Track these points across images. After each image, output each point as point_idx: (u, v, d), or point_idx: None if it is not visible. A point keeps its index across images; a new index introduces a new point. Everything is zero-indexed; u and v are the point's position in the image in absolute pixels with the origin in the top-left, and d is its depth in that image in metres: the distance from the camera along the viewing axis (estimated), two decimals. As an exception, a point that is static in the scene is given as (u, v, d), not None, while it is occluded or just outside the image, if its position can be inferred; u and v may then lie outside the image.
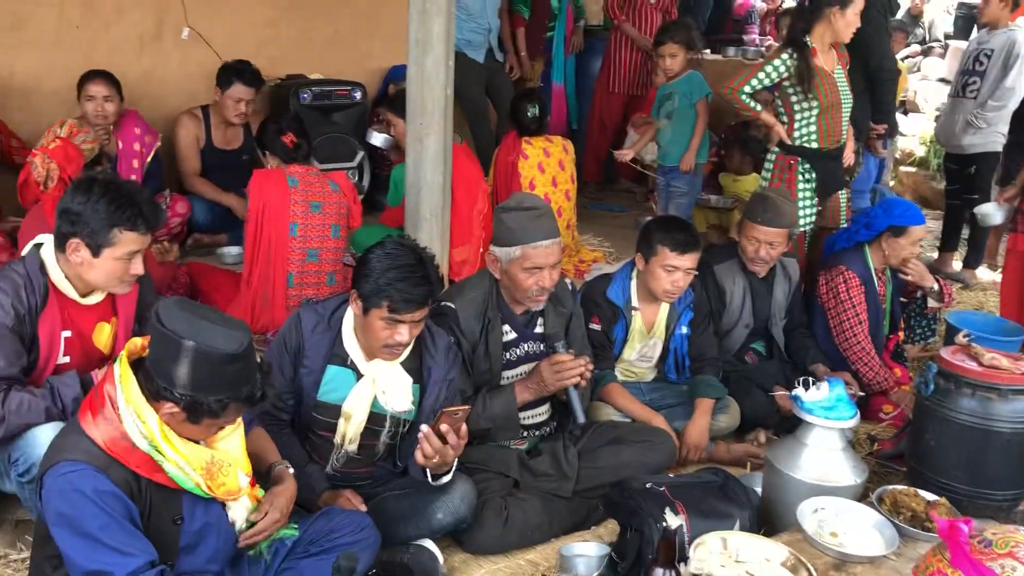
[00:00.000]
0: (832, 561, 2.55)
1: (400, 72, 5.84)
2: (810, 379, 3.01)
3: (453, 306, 2.99)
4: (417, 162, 3.83)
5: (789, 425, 3.41)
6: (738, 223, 3.95)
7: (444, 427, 2.48)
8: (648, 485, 2.79)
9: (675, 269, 3.38)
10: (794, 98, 4.15)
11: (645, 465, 3.10)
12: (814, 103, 4.12)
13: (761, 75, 4.08)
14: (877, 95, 4.69)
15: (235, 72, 4.80)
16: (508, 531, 2.83)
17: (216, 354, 1.98)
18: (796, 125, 4.19)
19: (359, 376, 2.67)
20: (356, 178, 5.69)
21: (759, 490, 3.03)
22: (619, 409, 3.40)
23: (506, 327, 3.07)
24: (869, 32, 4.36)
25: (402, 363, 2.68)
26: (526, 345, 3.12)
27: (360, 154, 5.67)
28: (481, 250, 4.78)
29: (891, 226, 3.87)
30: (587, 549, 2.78)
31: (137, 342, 2.15)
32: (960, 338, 3.02)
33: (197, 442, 2.14)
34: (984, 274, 6.00)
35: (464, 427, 2.53)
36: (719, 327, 3.81)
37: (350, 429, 2.69)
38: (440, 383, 2.75)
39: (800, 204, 4.18)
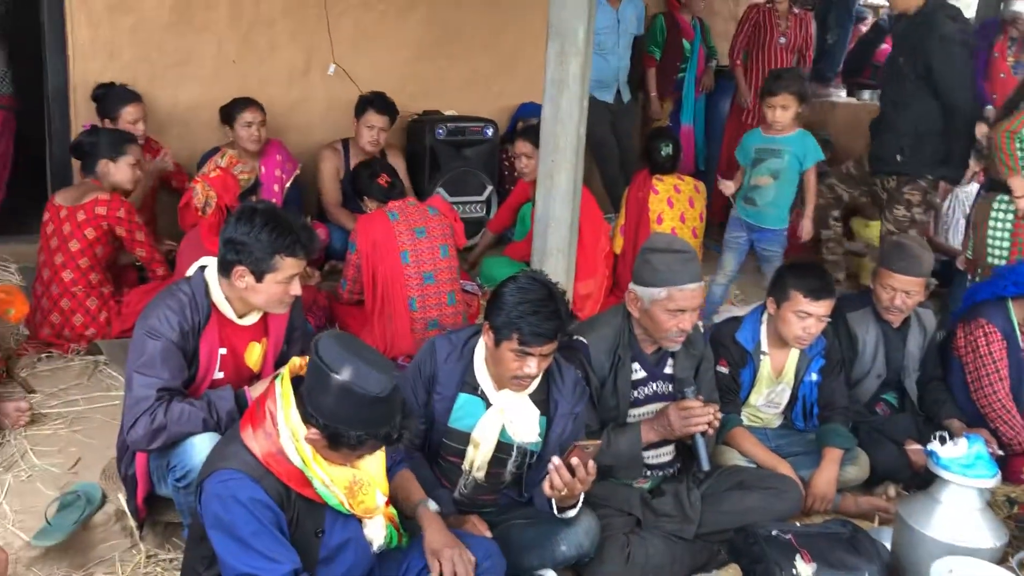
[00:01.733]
0: (967, 625, 2.48)
1: (529, 110, 6.01)
2: (947, 434, 2.92)
3: (585, 341, 3.04)
4: (547, 198, 3.91)
5: (921, 480, 3.31)
6: (873, 270, 3.87)
7: (575, 460, 2.51)
8: (774, 532, 2.77)
9: (808, 316, 3.34)
10: None
11: (770, 512, 3.06)
12: None
13: None
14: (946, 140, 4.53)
15: (369, 101, 5.11)
16: (630, 568, 2.83)
17: (362, 394, 2.08)
18: None
19: (488, 405, 2.75)
20: (484, 211, 5.85)
21: (888, 545, 2.95)
22: (744, 454, 3.37)
23: (636, 365, 3.10)
24: (941, 57, 4.28)
25: (530, 395, 2.75)
26: (655, 385, 3.13)
27: (489, 188, 5.83)
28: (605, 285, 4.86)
29: None
30: (709, 593, 2.77)
31: (296, 361, 2.29)
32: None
33: (340, 463, 2.25)
34: None
35: (592, 462, 2.57)
36: (850, 376, 3.73)
37: (478, 456, 2.77)
38: (567, 417, 2.80)
39: None
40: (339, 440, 2.13)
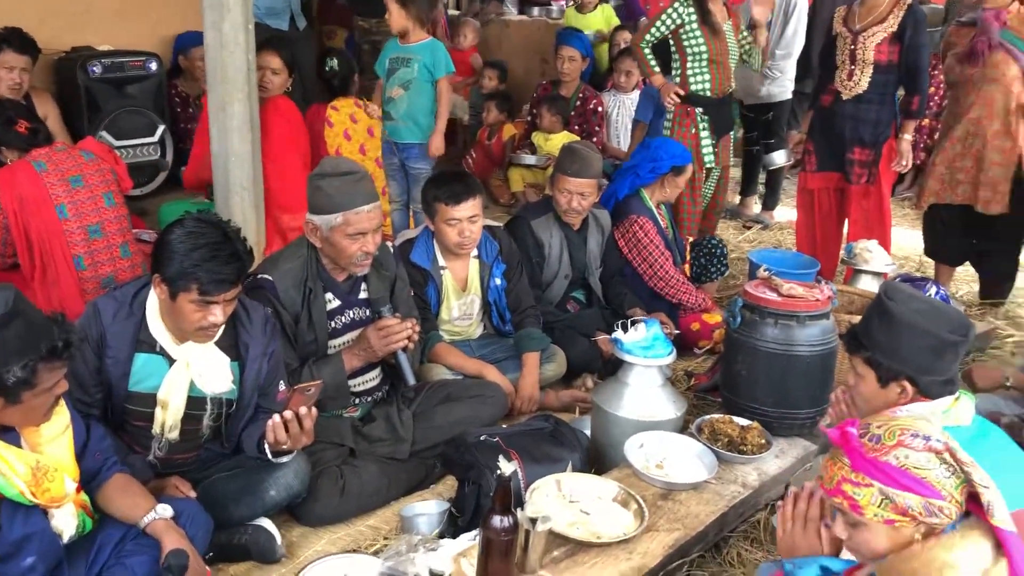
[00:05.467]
0: (659, 491, 2.71)
1: (189, 39, 5.56)
2: (628, 322, 3.13)
3: (270, 278, 2.90)
4: (222, 132, 3.67)
5: (613, 368, 3.54)
6: (550, 177, 4.05)
7: (303, 410, 2.44)
8: (482, 438, 2.84)
9: (458, 221, 3.40)
10: (688, 47, 4.57)
11: (479, 419, 3.14)
12: (704, 51, 4.55)
13: (658, 23, 4.57)
14: None
15: (3, 40, 4.48)
16: (346, 500, 2.81)
17: None
18: (690, 73, 4.61)
19: (171, 361, 2.54)
20: (159, 153, 5.41)
21: (588, 432, 3.14)
22: (450, 367, 3.43)
23: (329, 295, 3.01)
24: None
25: (216, 342, 2.57)
26: (351, 312, 3.07)
27: (160, 127, 5.39)
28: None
29: (674, 167, 4.16)
30: (427, 508, 2.81)
31: None
32: (761, 272, 3.23)
33: (20, 447, 2.02)
34: (781, 214, 6.43)
35: (315, 408, 2.49)
36: (540, 279, 3.89)
37: (169, 417, 2.57)
38: (260, 358, 2.66)
39: (703, 147, 4.68)
40: (9, 387, 1.90)
